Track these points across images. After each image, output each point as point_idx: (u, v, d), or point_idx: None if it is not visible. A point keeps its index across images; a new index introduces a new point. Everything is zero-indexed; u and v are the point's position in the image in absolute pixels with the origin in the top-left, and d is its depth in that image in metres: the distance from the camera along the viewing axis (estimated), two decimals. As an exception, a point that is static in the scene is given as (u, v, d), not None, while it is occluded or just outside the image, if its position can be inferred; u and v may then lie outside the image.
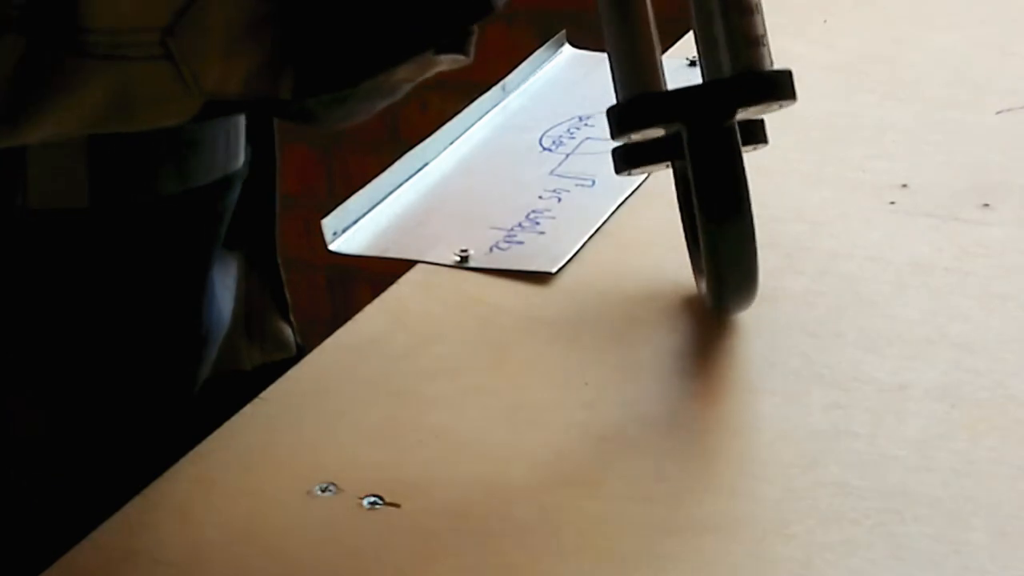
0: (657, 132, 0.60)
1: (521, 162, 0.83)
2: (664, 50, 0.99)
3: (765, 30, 0.58)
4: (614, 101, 0.89)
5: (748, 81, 0.58)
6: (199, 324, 0.67)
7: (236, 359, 0.71)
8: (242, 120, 0.66)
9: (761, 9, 0.58)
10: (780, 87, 0.58)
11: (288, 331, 0.74)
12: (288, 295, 0.74)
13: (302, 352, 0.73)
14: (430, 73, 0.58)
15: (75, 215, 0.60)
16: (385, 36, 0.54)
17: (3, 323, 0.61)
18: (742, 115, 0.59)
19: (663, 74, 0.59)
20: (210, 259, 0.67)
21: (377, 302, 0.69)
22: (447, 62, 0.57)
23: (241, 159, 0.66)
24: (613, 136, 0.60)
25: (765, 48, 0.58)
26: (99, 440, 0.65)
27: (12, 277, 0.61)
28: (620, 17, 0.57)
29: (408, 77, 0.58)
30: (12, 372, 0.62)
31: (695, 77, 0.78)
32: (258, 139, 0.70)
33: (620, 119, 0.58)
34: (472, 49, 0.58)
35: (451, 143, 0.84)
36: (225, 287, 0.69)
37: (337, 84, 0.53)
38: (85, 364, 0.63)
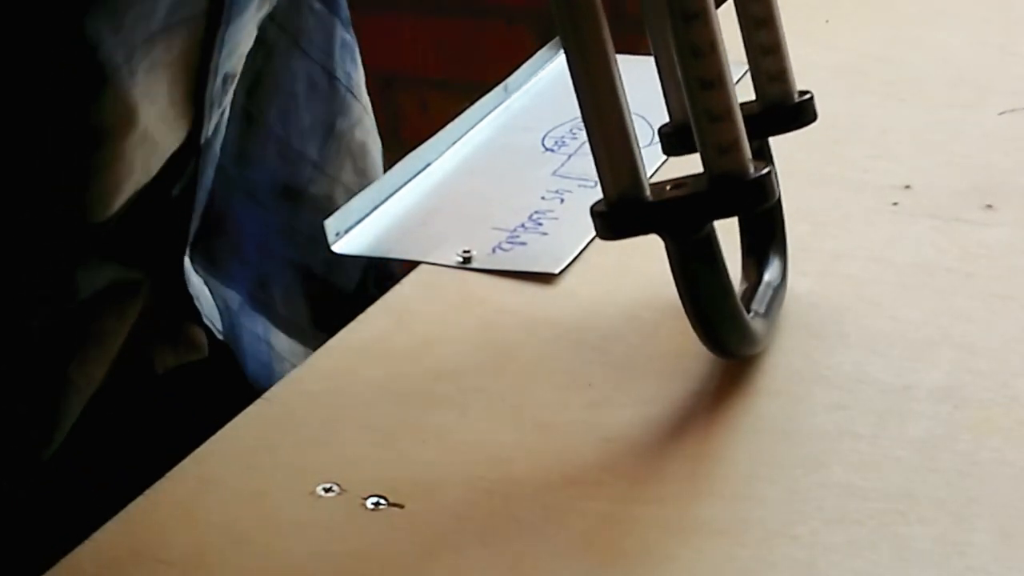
0: None
1: (523, 163, 0.83)
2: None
3: (740, 134, 0.56)
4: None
5: (725, 191, 0.56)
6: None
7: (148, 362, 0.71)
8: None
9: (735, 114, 0.56)
10: (759, 194, 0.56)
11: (201, 335, 0.73)
12: (199, 307, 0.73)
13: (225, 351, 0.72)
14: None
15: None
16: None
17: None
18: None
19: (644, 172, 0.58)
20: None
21: (379, 303, 0.69)
22: None
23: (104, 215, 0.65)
24: (600, 237, 0.60)
25: (741, 152, 0.56)
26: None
27: None
28: (597, 119, 0.58)
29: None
30: None
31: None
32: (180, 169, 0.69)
33: (604, 227, 0.59)
34: None
35: (453, 144, 0.84)
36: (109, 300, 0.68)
37: None
38: None
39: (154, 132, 0.64)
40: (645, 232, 0.58)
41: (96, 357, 0.67)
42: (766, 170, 0.56)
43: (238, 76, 0.71)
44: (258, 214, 0.76)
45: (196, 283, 0.72)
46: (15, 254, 0.63)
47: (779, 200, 0.68)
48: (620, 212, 0.58)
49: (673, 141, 0.66)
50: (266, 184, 0.77)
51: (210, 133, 0.69)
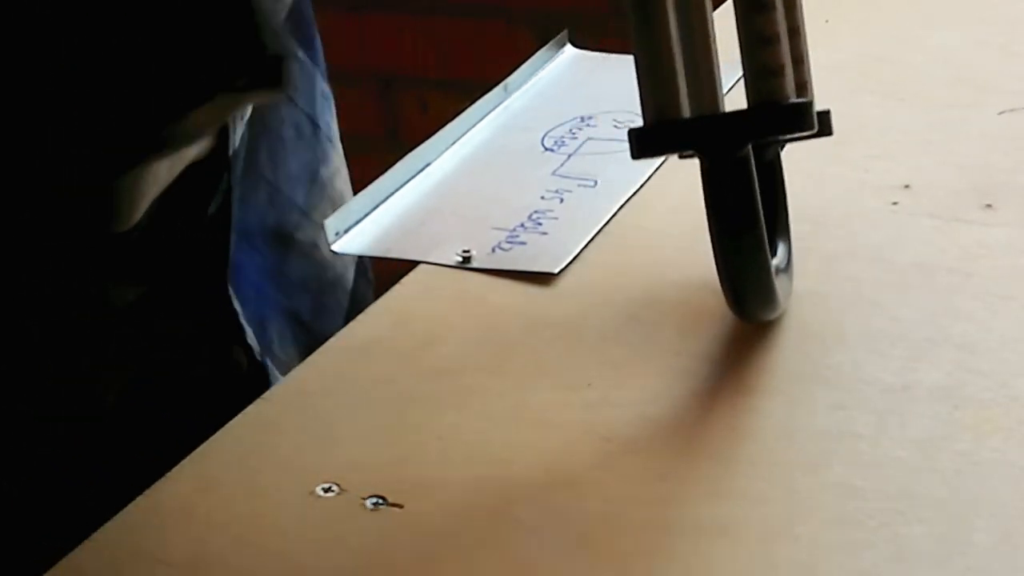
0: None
1: (523, 163, 0.83)
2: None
3: (786, 61, 0.58)
4: (616, 101, 0.90)
5: (765, 113, 0.58)
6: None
7: (190, 366, 0.71)
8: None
9: (782, 40, 0.58)
10: (797, 119, 0.58)
11: (242, 354, 0.73)
12: (244, 326, 0.73)
13: (262, 368, 0.73)
14: (240, 110, 0.58)
15: None
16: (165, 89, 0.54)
17: None
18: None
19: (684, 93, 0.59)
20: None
21: (379, 303, 0.69)
22: (255, 97, 0.58)
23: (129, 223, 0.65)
24: (633, 156, 0.60)
25: (785, 79, 0.58)
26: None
27: None
28: (643, 35, 0.58)
29: (208, 122, 0.58)
30: None
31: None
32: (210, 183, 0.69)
33: (639, 145, 0.59)
34: (286, 80, 0.59)
35: (453, 143, 0.84)
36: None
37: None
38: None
39: None
40: (681, 148, 0.58)
41: (122, 371, 0.68)
42: (808, 99, 0.58)
43: None
44: (253, 256, 0.76)
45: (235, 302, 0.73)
46: (39, 263, 0.63)
47: (783, 187, 0.68)
48: (658, 130, 0.58)
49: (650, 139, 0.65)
50: (258, 227, 0.77)
51: (236, 145, 0.69)
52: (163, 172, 0.64)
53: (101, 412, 0.67)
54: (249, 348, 0.73)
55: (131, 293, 0.67)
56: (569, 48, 0.98)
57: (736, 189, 0.58)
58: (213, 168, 0.68)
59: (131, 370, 0.68)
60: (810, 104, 0.59)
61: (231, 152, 0.69)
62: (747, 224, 0.58)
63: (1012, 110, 0.87)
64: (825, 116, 0.66)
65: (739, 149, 0.57)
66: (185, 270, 0.69)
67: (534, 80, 0.93)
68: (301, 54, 0.79)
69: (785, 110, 0.58)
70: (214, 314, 0.72)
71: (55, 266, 0.64)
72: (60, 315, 0.65)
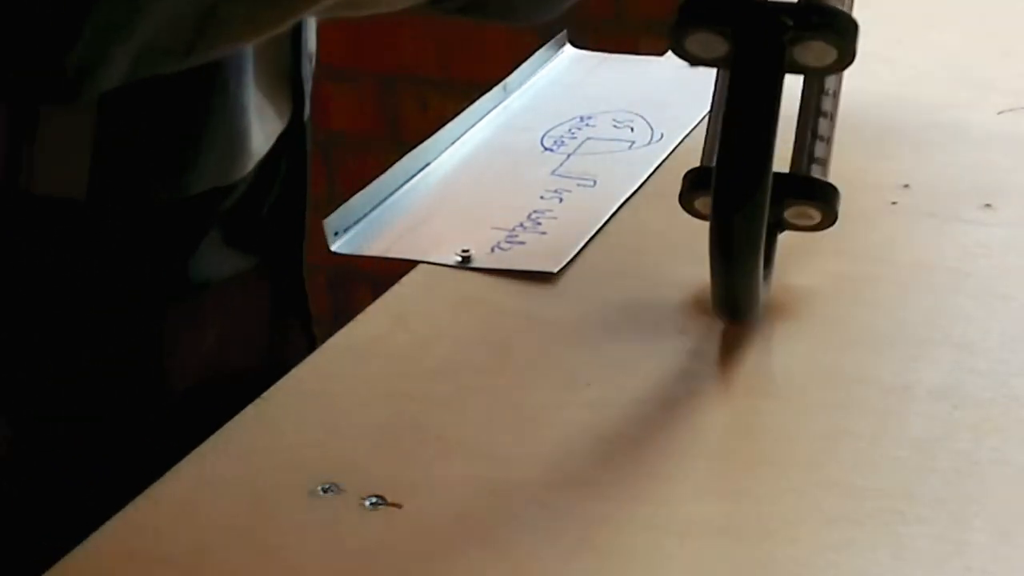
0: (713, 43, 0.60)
1: (522, 162, 0.83)
2: (664, 51, 0.99)
3: None
4: (616, 101, 0.90)
5: (808, 9, 0.59)
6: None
7: (248, 358, 0.71)
8: (250, 131, 0.66)
9: None
10: (840, 25, 0.59)
11: (304, 344, 0.74)
12: (311, 313, 0.74)
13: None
14: None
15: (70, 208, 0.60)
16: None
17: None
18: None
19: None
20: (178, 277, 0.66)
21: (378, 302, 0.69)
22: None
23: (244, 170, 0.66)
24: (672, 46, 0.60)
25: None
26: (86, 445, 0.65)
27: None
28: None
29: None
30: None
31: (695, 76, 0.78)
32: (292, 149, 0.70)
33: (677, 18, 0.59)
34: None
35: (452, 143, 0.84)
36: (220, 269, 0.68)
37: None
38: (65, 359, 0.63)
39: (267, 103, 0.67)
40: (720, 22, 0.58)
41: (196, 348, 0.68)
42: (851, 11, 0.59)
43: (315, 55, 0.72)
44: None
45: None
46: (138, 232, 0.63)
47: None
48: (695, 5, 0.59)
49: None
50: None
51: (308, 113, 0.70)
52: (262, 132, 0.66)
53: (169, 402, 0.67)
54: (308, 321, 0.74)
55: (234, 265, 0.68)
56: (569, 48, 0.98)
57: (755, 92, 0.58)
58: (290, 136, 0.69)
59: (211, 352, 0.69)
60: (852, 19, 0.59)
61: (305, 118, 0.70)
62: (760, 139, 0.58)
63: (1011, 110, 0.87)
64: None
65: (775, 32, 0.57)
66: (267, 240, 0.70)
67: (534, 80, 0.93)
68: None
69: (832, 13, 0.59)
70: (287, 291, 0.73)
71: (149, 237, 0.64)
72: (148, 291, 0.65)
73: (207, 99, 0.62)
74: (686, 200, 0.65)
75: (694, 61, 0.61)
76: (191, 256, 0.65)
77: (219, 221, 0.66)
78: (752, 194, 0.58)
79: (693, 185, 0.64)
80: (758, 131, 0.58)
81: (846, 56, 0.60)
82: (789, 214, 0.65)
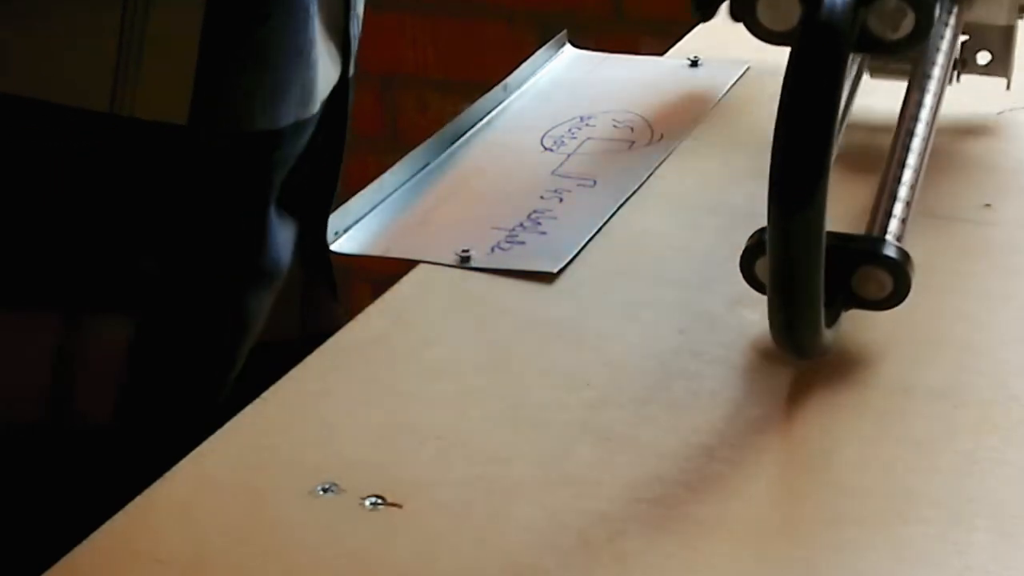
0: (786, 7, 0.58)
1: (522, 162, 0.83)
2: (664, 50, 1.00)
3: None
4: (616, 101, 0.90)
5: None
6: (261, 258, 0.68)
7: (286, 326, 0.73)
8: (320, 70, 0.68)
9: None
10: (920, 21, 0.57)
11: (337, 309, 0.76)
12: (335, 279, 0.76)
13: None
14: None
15: (170, 132, 0.62)
16: None
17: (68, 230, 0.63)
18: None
19: None
20: (267, 201, 0.68)
21: (378, 302, 0.69)
22: None
23: (314, 108, 0.68)
24: (739, 13, 0.58)
25: None
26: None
27: (95, 183, 0.62)
28: None
29: None
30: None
31: (695, 76, 0.79)
32: (337, 107, 0.72)
33: None
34: None
35: (452, 143, 0.84)
36: (283, 245, 0.70)
37: None
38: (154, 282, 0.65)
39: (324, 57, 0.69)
40: None
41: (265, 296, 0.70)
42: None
43: (362, 17, 0.74)
44: None
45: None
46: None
47: None
48: None
49: None
50: None
51: (353, 71, 0.72)
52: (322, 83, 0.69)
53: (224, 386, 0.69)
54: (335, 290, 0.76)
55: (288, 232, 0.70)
56: (569, 48, 0.98)
57: (819, 73, 0.54)
58: (337, 91, 0.71)
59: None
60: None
61: (350, 74, 0.72)
62: (821, 123, 0.54)
63: (1011, 110, 0.87)
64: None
65: (845, 15, 0.55)
66: (307, 200, 0.72)
67: (534, 80, 0.93)
68: None
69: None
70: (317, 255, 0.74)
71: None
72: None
73: (293, 35, 0.65)
74: (746, 262, 0.62)
75: (764, 35, 0.58)
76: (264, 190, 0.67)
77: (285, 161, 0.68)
78: (813, 184, 0.54)
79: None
80: (823, 105, 0.54)
81: (923, 26, 0.57)
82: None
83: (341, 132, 0.73)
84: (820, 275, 0.56)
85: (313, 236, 0.73)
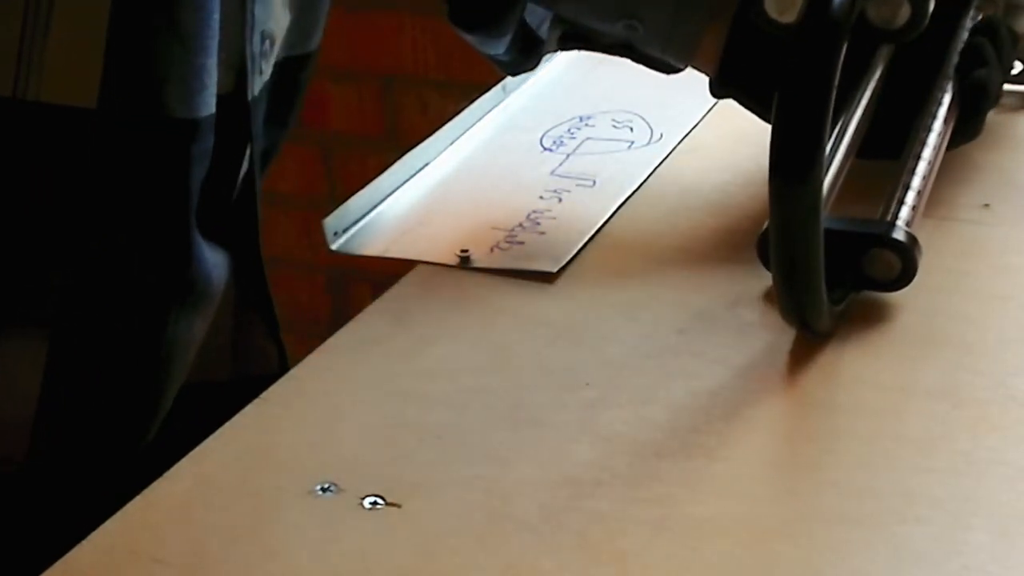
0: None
1: (522, 162, 0.83)
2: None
3: None
4: (615, 101, 0.90)
5: None
6: (188, 271, 0.65)
7: (215, 368, 0.70)
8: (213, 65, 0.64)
9: None
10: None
11: (273, 351, 0.73)
12: (277, 316, 0.73)
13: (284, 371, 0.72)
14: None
15: (79, 117, 0.59)
16: None
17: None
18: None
19: None
20: (188, 207, 0.64)
21: (378, 302, 0.69)
22: None
23: (210, 108, 0.64)
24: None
25: None
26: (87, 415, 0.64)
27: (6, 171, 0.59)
28: None
29: None
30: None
31: (695, 76, 0.78)
32: (237, 128, 0.67)
33: None
34: None
35: (452, 143, 0.84)
36: (214, 266, 0.67)
37: None
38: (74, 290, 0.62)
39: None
40: None
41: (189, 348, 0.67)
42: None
43: (278, 43, 0.69)
44: None
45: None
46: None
47: None
48: None
49: None
50: None
51: (256, 92, 0.68)
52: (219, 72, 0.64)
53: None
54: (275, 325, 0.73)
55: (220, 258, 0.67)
56: (568, 48, 0.97)
57: (818, 70, 0.57)
58: (233, 111, 0.66)
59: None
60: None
61: (249, 96, 0.67)
62: (816, 115, 0.57)
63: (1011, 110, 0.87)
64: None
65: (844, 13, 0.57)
66: (229, 233, 0.68)
67: (533, 80, 0.93)
68: None
69: None
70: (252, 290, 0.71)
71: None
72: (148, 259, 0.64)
73: (208, 17, 0.61)
74: (763, 246, 0.64)
75: (768, 25, 0.61)
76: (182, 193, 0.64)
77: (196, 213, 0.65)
78: (809, 157, 0.57)
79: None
80: (821, 82, 0.57)
81: (919, 16, 0.60)
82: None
83: (240, 153, 0.68)
84: (819, 243, 0.59)
85: (247, 270, 0.70)
